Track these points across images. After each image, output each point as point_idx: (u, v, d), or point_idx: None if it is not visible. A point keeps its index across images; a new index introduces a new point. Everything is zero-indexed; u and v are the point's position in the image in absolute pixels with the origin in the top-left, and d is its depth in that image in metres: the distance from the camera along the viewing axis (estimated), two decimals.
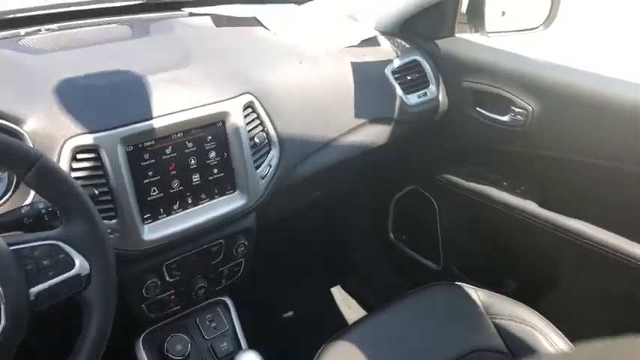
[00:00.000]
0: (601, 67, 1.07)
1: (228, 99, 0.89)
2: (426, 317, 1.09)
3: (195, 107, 0.86)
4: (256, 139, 0.94)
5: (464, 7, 1.25)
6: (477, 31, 1.22)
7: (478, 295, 1.12)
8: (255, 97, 0.94)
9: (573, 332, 1.05)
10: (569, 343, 1.04)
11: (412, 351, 1.03)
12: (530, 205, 1.17)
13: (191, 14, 1.20)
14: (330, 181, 1.20)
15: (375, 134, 1.14)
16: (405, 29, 1.24)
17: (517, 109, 1.11)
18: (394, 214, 1.47)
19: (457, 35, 1.24)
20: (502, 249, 1.29)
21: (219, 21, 1.15)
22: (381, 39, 1.21)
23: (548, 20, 1.26)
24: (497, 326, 1.07)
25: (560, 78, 1.07)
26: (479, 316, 1.09)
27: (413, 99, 1.17)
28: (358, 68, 1.12)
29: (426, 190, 1.38)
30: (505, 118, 1.14)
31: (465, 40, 1.22)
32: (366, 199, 1.43)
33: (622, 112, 0.98)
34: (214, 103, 0.88)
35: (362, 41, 1.18)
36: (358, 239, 1.53)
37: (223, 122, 0.89)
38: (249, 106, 0.93)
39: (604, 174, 1.05)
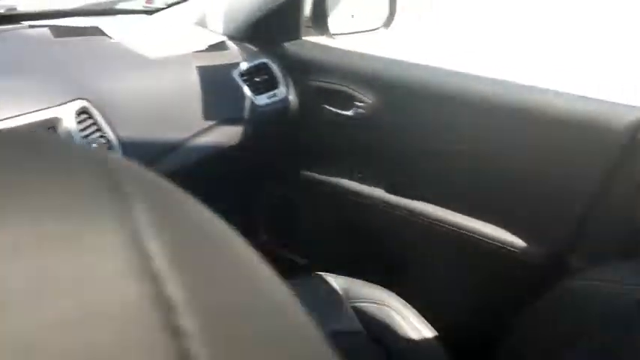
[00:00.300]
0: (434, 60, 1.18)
1: (58, 105, 0.89)
2: None
3: (21, 115, 0.84)
4: (94, 145, 0.93)
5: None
6: (322, 34, 1.30)
7: (337, 282, 1.17)
8: (91, 103, 0.94)
9: (428, 308, 1.13)
10: (423, 319, 1.12)
11: None
12: (381, 193, 1.24)
13: (31, 27, 1.17)
14: (190, 185, 1.21)
15: (227, 134, 1.17)
16: (253, 34, 1.28)
17: (358, 104, 1.19)
18: (263, 214, 1.50)
19: (304, 38, 1.31)
20: (362, 237, 1.36)
21: (59, 32, 1.14)
22: (230, 44, 1.25)
23: (388, 21, 1.36)
24: (355, 309, 1.13)
25: (395, 72, 1.17)
26: (337, 302, 1.14)
27: (262, 100, 1.22)
28: (205, 72, 1.14)
29: (289, 187, 1.43)
30: (349, 113, 1.21)
31: (311, 42, 1.29)
32: (233, 202, 1.45)
33: (451, 101, 1.08)
34: (43, 109, 0.87)
35: (210, 46, 1.21)
36: None
37: (55, 128, 0.88)
38: (83, 111, 0.92)
39: (442, 158, 1.14)
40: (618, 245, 0.96)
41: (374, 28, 1.37)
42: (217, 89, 1.16)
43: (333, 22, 1.35)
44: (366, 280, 1.19)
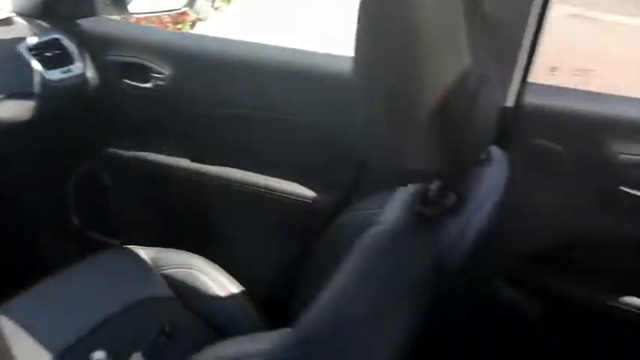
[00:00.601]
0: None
1: None
2: (90, 280, 1.11)
3: None
4: None
5: None
6: (119, 12, 1.31)
7: (147, 253, 1.18)
8: None
9: (237, 267, 1.18)
10: (231, 277, 1.16)
11: (77, 312, 1.04)
12: (187, 163, 1.27)
13: None
14: None
15: (17, 110, 1.13)
16: (45, 11, 1.25)
17: (157, 75, 1.21)
18: (73, 198, 1.46)
19: (103, 16, 1.31)
20: (173, 208, 1.38)
21: None
22: (17, 20, 1.21)
23: (190, 1, 1.40)
24: (165, 276, 1.14)
25: (188, 44, 1.22)
26: (146, 271, 1.15)
27: (55, 75, 1.19)
28: None
29: (98, 167, 1.40)
30: (149, 85, 1.23)
31: (106, 19, 1.29)
32: (41, 186, 1.40)
33: (241, 69, 1.15)
34: None
35: None
36: (43, 231, 1.48)
37: None
38: None
39: (237, 122, 1.20)
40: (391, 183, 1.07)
41: (176, 8, 1.41)
42: (1, 64, 1.12)
43: (137, 3, 1.37)
44: (182, 249, 1.21)
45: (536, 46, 0.93)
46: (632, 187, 0.86)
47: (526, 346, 1.02)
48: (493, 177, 0.72)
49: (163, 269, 1.16)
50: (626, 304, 0.94)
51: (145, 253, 1.18)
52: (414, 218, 0.61)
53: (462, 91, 0.55)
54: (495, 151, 0.78)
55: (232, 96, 1.18)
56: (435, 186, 0.62)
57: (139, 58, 1.22)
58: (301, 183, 1.18)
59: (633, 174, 0.85)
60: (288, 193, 1.19)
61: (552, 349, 1.01)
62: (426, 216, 0.61)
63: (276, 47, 1.16)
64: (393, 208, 0.64)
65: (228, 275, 1.16)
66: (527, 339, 1.01)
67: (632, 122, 0.86)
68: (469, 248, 0.60)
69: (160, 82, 1.21)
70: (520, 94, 0.93)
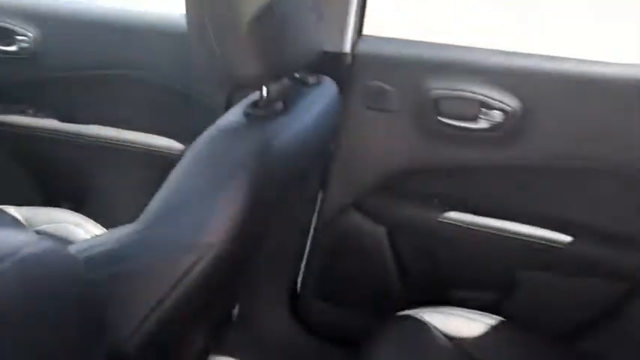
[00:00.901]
0: None
1: None
2: None
3: None
4: None
5: None
6: None
7: (20, 212, 1.20)
8: None
9: (110, 222, 1.23)
10: (101, 226, 1.21)
11: None
12: (55, 124, 1.31)
13: None
14: None
15: None
16: None
17: (21, 37, 1.24)
18: None
19: None
20: (46, 170, 1.40)
21: None
22: None
23: None
24: (39, 232, 1.17)
25: (51, 5, 1.26)
26: (18, 228, 1.17)
27: None
28: None
29: None
30: (13, 48, 1.25)
31: None
32: None
33: (103, 29, 1.21)
34: None
35: None
36: None
37: None
38: None
39: (99, 81, 1.26)
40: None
41: None
42: None
43: None
44: (58, 208, 1.24)
45: (366, 3, 1.08)
46: (446, 117, 1.03)
47: (374, 267, 1.17)
48: (319, 98, 0.85)
49: (36, 226, 1.18)
50: (452, 219, 1.11)
51: (17, 212, 1.20)
52: (245, 119, 0.72)
53: (272, 16, 0.66)
54: (327, 81, 0.91)
55: (96, 56, 1.24)
56: (264, 95, 0.73)
57: (0, 21, 1.24)
58: (169, 136, 1.26)
59: (445, 105, 1.02)
60: (157, 147, 1.26)
61: (396, 267, 1.16)
62: (255, 116, 0.72)
63: (136, 10, 1.23)
64: (227, 115, 0.75)
65: (97, 224, 1.21)
66: (375, 260, 1.16)
67: (442, 62, 1.03)
68: (290, 140, 0.72)
69: (24, 45, 1.24)
70: (355, 44, 1.07)
